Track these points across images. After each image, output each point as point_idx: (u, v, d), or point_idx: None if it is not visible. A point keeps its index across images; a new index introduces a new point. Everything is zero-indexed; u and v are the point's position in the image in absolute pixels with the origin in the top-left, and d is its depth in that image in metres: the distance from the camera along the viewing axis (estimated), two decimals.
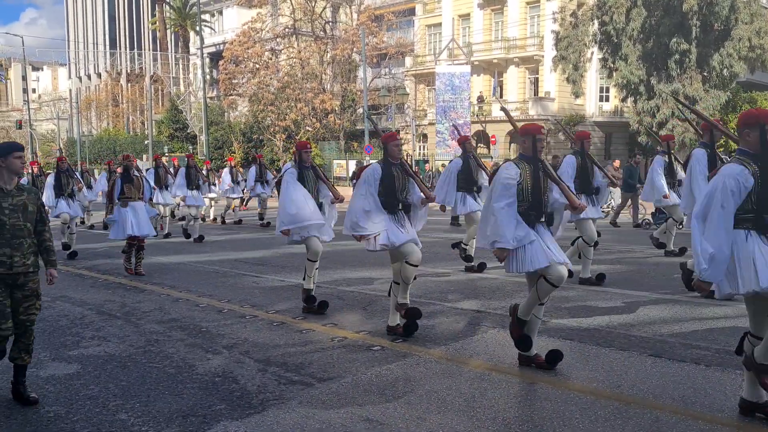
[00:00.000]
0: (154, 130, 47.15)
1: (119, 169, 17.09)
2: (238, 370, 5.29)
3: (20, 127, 56.31)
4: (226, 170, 19.38)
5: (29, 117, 56.10)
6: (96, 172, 28.66)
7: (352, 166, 30.27)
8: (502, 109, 6.38)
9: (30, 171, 15.75)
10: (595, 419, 4.14)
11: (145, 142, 45.35)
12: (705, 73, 25.76)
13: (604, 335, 6.03)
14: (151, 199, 11.15)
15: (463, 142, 10.03)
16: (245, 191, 20.13)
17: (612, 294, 7.82)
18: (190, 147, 44.24)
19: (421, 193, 6.28)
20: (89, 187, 17.00)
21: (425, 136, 41.60)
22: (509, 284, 8.62)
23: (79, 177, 13.87)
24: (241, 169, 20.15)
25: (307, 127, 38.95)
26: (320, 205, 7.27)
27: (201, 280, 9.49)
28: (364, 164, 26.01)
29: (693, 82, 25.24)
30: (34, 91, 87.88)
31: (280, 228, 7.15)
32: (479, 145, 38.80)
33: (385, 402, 4.52)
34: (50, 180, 12.86)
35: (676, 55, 24.65)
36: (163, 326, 6.81)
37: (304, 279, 7.43)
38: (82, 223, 17.72)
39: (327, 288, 8.66)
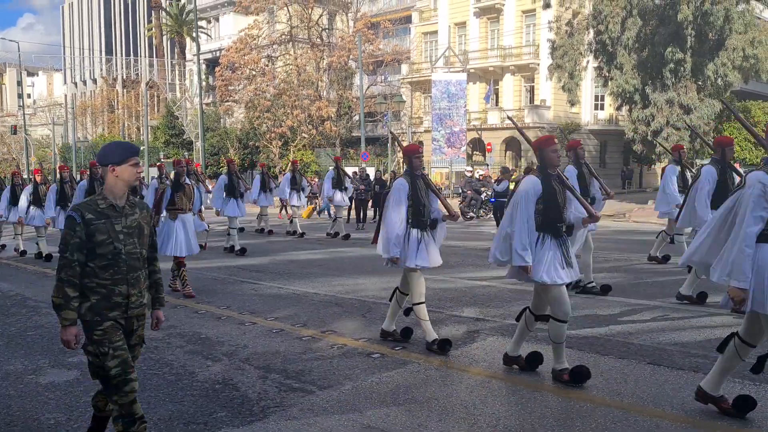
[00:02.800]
0: (149, 136, 47.12)
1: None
2: (238, 377, 5.29)
3: (15, 132, 56.28)
4: (257, 177, 18.26)
5: (24, 122, 56.00)
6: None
7: (348, 172, 30.24)
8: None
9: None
10: (595, 427, 4.16)
11: (141, 148, 45.31)
12: (700, 83, 25.91)
13: (603, 343, 6.06)
14: (200, 211, 9.99)
15: (573, 147, 8.37)
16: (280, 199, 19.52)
17: (610, 302, 7.85)
18: (186, 153, 44.21)
19: (583, 210, 4.97)
20: None
21: (421, 143, 41.67)
22: (507, 292, 8.65)
23: None
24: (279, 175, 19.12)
25: (304, 134, 39.02)
26: (433, 222, 5.99)
27: (199, 287, 9.47)
28: (363, 168, 25.96)
29: (688, 91, 25.38)
30: (29, 96, 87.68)
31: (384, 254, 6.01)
32: (475, 152, 38.95)
33: (385, 409, 4.53)
34: (82, 185, 11.60)
35: (671, 64, 24.79)
36: (161, 333, 6.78)
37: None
38: None
39: (326, 296, 8.69)
